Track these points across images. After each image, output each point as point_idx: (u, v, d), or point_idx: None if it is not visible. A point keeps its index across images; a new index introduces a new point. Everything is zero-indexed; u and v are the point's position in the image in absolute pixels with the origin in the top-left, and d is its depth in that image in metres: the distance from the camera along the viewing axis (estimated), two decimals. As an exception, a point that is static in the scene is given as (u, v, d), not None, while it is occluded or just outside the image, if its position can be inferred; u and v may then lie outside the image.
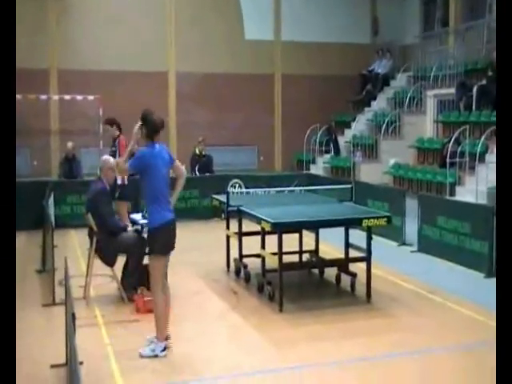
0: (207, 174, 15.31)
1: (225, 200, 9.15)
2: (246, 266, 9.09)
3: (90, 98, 18.46)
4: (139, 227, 8.01)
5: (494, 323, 7.22)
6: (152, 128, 6.19)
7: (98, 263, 8.03)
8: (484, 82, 15.34)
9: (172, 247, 6.31)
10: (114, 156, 10.40)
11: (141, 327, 7.08)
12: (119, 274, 8.07)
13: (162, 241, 6.17)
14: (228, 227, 9.60)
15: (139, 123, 6.22)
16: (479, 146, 13.60)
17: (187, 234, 12.21)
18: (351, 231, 8.77)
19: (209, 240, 11.57)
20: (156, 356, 6.16)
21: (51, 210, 9.75)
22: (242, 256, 9.28)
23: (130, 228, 8.13)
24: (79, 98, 18.42)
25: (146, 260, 8.23)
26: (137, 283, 7.90)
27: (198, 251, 10.92)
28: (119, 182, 10.06)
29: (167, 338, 6.32)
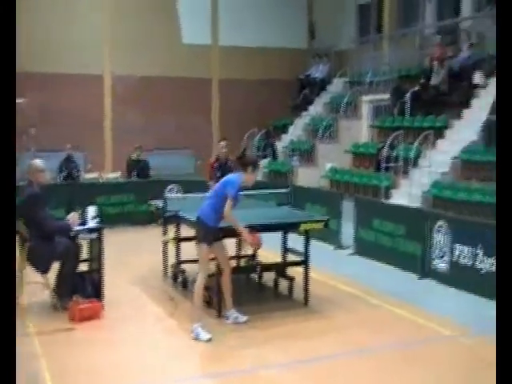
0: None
1: (162, 205, 9.05)
2: (183, 272, 9.03)
3: (18, 101, 17.94)
4: (74, 233, 7.80)
5: (426, 322, 7.41)
6: None
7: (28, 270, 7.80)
8: (417, 88, 15.69)
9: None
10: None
11: (76, 336, 6.94)
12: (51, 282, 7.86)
13: None
14: (165, 233, 9.50)
15: None
16: (413, 150, 13.90)
17: (124, 240, 12.10)
18: (289, 235, 8.81)
19: (146, 246, 11.43)
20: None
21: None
22: (179, 262, 9.20)
23: (76, 224, 7.78)
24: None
25: (81, 267, 8.11)
26: (72, 291, 7.71)
27: (135, 257, 10.79)
28: None
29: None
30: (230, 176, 7.24)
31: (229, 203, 6.87)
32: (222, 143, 10.63)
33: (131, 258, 10.71)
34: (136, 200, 14.07)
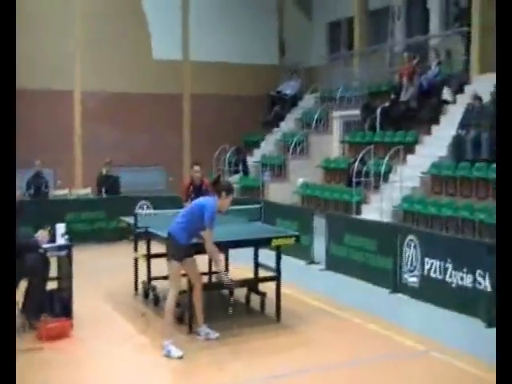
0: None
1: (133, 221, 8.97)
2: (154, 289, 8.94)
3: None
4: (42, 251, 7.67)
5: (398, 337, 7.42)
6: None
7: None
8: (387, 104, 15.86)
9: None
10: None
11: (44, 355, 6.81)
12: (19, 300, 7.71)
13: None
14: (136, 249, 9.41)
15: None
16: (383, 165, 14.00)
17: (94, 258, 11.95)
18: (261, 250, 8.78)
19: (116, 263, 11.29)
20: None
21: None
22: (150, 278, 9.11)
23: (44, 242, 7.60)
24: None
25: (50, 285, 7.96)
26: (40, 309, 7.56)
27: (106, 274, 10.65)
28: None
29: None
30: (206, 200, 7.22)
31: (208, 237, 6.93)
32: (196, 167, 10.63)
33: (101, 275, 10.57)
34: (106, 217, 13.93)
